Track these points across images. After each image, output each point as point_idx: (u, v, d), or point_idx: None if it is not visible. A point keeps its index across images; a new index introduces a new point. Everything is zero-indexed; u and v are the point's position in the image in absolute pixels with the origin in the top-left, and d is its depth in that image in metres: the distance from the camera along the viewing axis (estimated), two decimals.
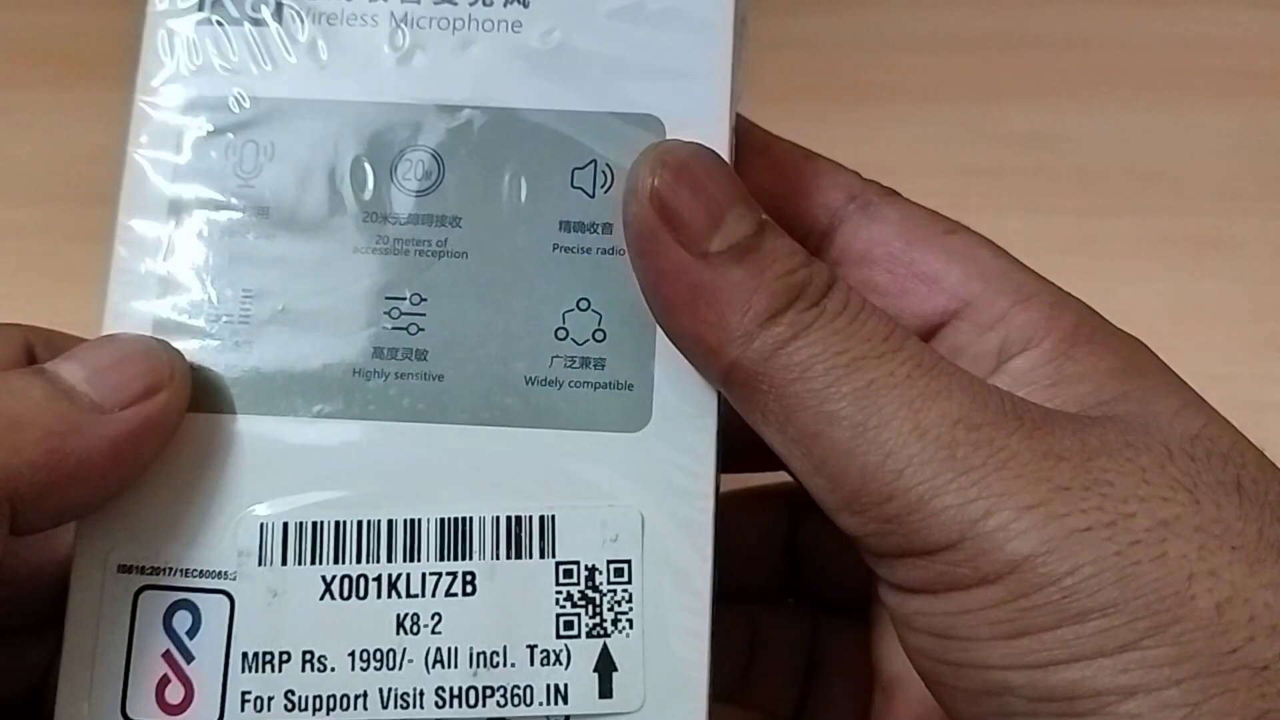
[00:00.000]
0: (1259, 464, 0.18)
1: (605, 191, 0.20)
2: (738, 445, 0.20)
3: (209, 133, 0.20)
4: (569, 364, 0.20)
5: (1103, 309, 0.21)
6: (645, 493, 0.19)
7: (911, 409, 0.18)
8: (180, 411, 0.19)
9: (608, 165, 0.20)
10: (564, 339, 0.20)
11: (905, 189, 0.22)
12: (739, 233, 0.19)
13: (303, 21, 0.21)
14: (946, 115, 0.40)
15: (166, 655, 0.19)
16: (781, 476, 0.21)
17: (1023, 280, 0.21)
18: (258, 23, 0.21)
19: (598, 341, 0.20)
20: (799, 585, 0.27)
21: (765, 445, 0.19)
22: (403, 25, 0.21)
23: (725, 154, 0.20)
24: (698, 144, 0.19)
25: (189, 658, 0.19)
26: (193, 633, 0.19)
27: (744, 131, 0.23)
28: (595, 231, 0.20)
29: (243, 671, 0.19)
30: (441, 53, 0.21)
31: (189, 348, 0.20)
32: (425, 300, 0.20)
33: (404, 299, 0.20)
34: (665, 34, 0.20)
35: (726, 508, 0.20)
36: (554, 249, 0.20)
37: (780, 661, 0.26)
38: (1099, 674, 0.17)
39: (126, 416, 0.18)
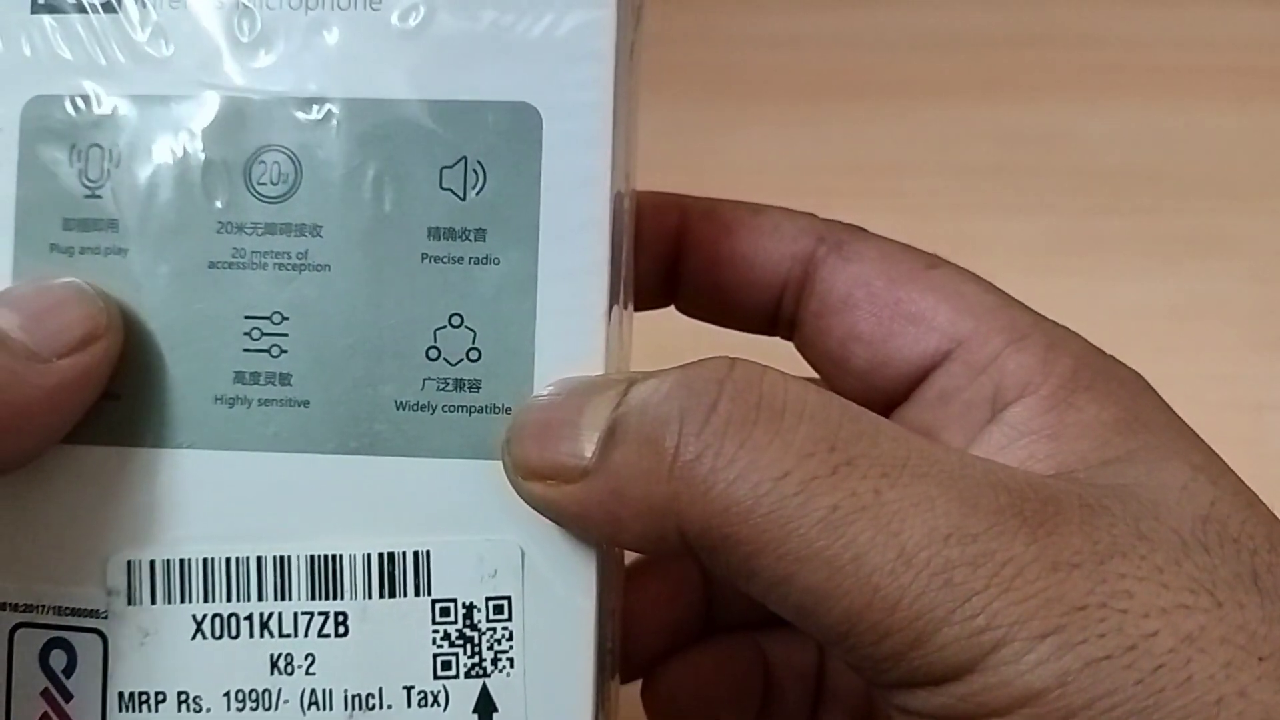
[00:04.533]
0: (1270, 543, 0.17)
1: (477, 193, 0.18)
2: None
3: (50, 137, 0.19)
4: (442, 386, 0.18)
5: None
6: (525, 525, 0.18)
7: (889, 532, 0.16)
8: (115, 359, 0.18)
9: (479, 163, 0.18)
10: (436, 359, 0.18)
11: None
12: (599, 422, 0.17)
13: (145, 8, 0.19)
14: (946, 115, 0.39)
15: (45, 694, 0.19)
16: None
17: (1015, 317, 0.20)
18: (95, 11, 0.19)
19: (472, 361, 0.18)
20: None
21: None
22: (251, 9, 0.19)
23: (608, 147, 0.18)
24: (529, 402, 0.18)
25: (68, 696, 0.19)
26: (69, 671, 0.19)
27: (685, 202, 0.22)
28: (467, 239, 0.18)
29: (120, 711, 0.18)
30: (294, 38, 0.19)
31: None
32: (287, 319, 0.18)
33: (265, 318, 0.18)
34: (542, 12, 0.18)
35: None
36: (423, 259, 0.18)
37: (792, 697, 0.25)
38: None
39: (64, 366, 0.17)
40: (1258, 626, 0.16)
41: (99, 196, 0.19)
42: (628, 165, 0.20)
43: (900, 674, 0.16)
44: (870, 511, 0.16)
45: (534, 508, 0.18)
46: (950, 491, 0.16)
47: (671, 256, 0.23)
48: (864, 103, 0.39)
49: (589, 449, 0.17)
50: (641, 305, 0.23)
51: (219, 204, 0.19)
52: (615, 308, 0.19)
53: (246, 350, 0.18)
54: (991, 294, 0.21)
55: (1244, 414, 0.18)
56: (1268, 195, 0.38)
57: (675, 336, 0.23)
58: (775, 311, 0.23)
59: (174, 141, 0.19)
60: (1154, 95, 0.40)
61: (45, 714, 0.19)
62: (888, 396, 0.21)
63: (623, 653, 0.24)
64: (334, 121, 0.18)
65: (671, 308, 0.24)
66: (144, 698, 0.18)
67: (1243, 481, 0.18)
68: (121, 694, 0.18)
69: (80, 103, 0.19)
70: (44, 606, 0.19)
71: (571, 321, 0.18)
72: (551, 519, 0.18)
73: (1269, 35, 0.41)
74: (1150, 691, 0.15)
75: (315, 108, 0.18)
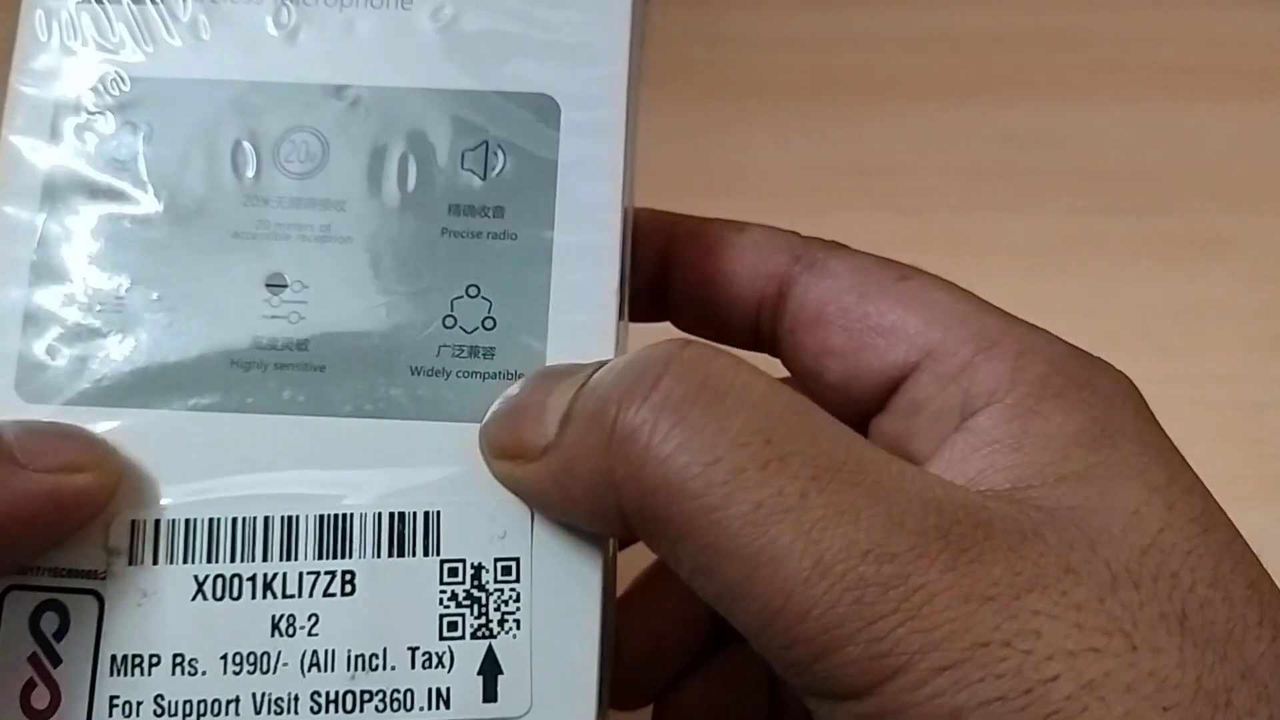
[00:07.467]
0: (1213, 577, 0.17)
1: (497, 174, 0.19)
2: None
3: (87, 114, 0.20)
4: (457, 353, 0.19)
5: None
6: None
7: (809, 539, 0.16)
8: (96, 503, 0.18)
9: (500, 147, 0.19)
10: (452, 327, 0.19)
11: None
12: (562, 404, 0.18)
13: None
14: (946, 115, 0.39)
15: (33, 658, 0.18)
16: None
17: (986, 324, 0.20)
18: (139, 1, 0.20)
19: (487, 330, 0.19)
20: None
21: None
22: (288, 3, 0.20)
23: (622, 136, 0.19)
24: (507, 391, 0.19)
25: (56, 661, 0.18)
26: (60, 635, 0.18)
27: (673, 220, 0.23)
28: (486, 215, 0.19)
29: (111, 675, 0.18)
30: (328, 31, 0.20)
31: (62, 337, 0.19)
32: (307, 288, 0.19)
33: (285, 286, 0.19)
34: (561, 11, 0.20)
35: None
36: (443, 233, 0.19)
37: (801, 707, 0.24)
38: None
39: (37, 479, 0.17)
40: (1170, 672, 0.15)
41: (129, 170, 0.19)
42: (631, 177, 0.21)
43: (806, 682, 0.16)
44: (794, 514, 0.16)
45: (504, 485, 0.18)
46: (878, 505, 0.16)
47: (660, 274, 0.24)
48: (864, 103, 0.39)
49: (552, 429, 0.17)
50: (636, 318, 0.24)
51: (247, 179, 0.19)
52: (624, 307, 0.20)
53: (266, 317, 0.19)
54: (963, 302, 0.21)
55: (1244, 414, 0.19)
56: (1268, 195, 0.38)
57: None
58: (756, 329, 0.23)
59: (205, 121, 0.20)
60: (1154, 95, 0.40)
61: (30, 680, 0.18)
62: (864, 408, 0.22)
63: (631, 679, 0.23)
64: (362, 107, 0.20)
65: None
66: (138, 660, 0.18)
67: (1208, 502, 0.18)
68: (114, 656, 0.18)
69: (121, 82, 0.20)
70: (39, 568, 0.18)
71: (583, 294, 0.19)
72: (518, 496, 0.18)
73: (1269, 35, 0.41)
74: None
75: (345, 94, 0.20)
